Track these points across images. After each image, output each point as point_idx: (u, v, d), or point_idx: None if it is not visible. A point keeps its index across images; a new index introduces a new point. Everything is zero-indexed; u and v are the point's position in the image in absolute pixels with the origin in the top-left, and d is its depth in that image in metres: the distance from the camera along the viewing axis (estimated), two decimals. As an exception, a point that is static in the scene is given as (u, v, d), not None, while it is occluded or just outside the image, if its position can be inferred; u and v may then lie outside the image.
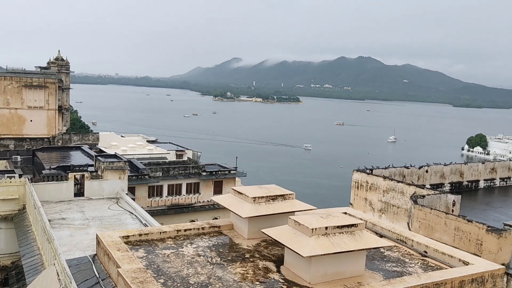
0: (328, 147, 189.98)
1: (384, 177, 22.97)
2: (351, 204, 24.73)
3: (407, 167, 26.42)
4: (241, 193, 14.00)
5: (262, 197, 13.61)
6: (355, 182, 24.43)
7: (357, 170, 24.60)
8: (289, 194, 14.22)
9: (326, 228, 10.88)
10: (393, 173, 25.02)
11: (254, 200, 13.44)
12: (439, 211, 18.36)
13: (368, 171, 24.31)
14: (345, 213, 14.42)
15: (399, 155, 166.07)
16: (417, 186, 21.77)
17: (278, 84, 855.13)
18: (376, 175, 23.48)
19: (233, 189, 14.61)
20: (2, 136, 53.50)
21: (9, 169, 40.16)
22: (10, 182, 29.74)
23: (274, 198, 13.82)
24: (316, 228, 10.75)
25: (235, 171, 47.04)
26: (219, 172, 46.07)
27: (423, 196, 19.81)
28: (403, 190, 21.59)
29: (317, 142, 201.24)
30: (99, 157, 35.03)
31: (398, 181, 22.47)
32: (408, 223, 20.00)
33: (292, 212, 13.25)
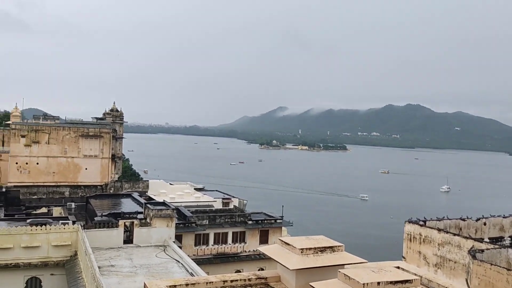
0: (378, 197, 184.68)
1: (439, 230, 21.87)
2: (404, 258, 23.57)
3: (463, 219, 25.06)
4: (288, 244, 13.76)
5: (310, 249, 13.29)
6: (408, 234, 23.39)
7: (410, 222, 23.60)
8: (338, 246, 13.82)
9: (379, 283, 10.40)
10: (448, 225, 23.77)
11: (301, 252, 13.15)
12: (500, 267, 17.11)
13: (421, 222, 23.26)
14: (398, 267, 13.77)
15: (453, 206, 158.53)
16: (475, 239, 20.52)
17: (324, 132, 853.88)
18: (430, 227, 22.40)
19: (280, 239, 14.40)
20: (59, 184, 56.11)
21: (63, 215, 41.73)
22: (64, 228, 30.82)
23: (322, 249, 13.47)
24: (367, 284, 10.30)
25: (281, 220, 46.45)
26: (265, 221, 45.63)
27: (482, 251, 18.60)
28: (460, 244, 20.40)
29: (363, 190, 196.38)
30: (148, 205, 35.80)
31: (454, 234, 21.29)
32: (466, 280, 18.72)
33: (342, 265, 12.81)
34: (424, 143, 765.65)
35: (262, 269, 38.45)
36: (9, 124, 64.42)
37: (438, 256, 21.55)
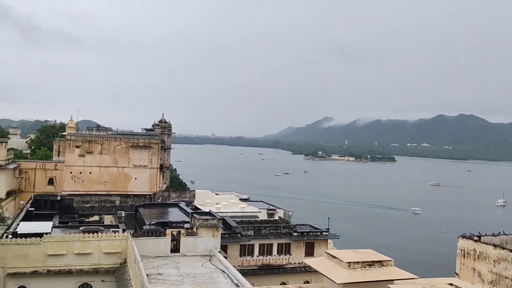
0: (429, 210, 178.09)
1: (495, 245, 20.74)
2: (457, 274, 22.51)
3: (522, 235, 23.64)
4: (335, 257, 13.50)
5: (357, 263, 12.98)
6: (461, 249, 22.33)
7: (463, 237, 22.53)
8: (387, 261, 13.40)
9: (430, 300, 9.96)
10: (504, 241, 22.49)
11: (349, 265, 12.85)
12: None
13: (475, 238, 22.16)
14: (451, 284, 13.16)
15: (510, 220, 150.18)
16: (535, 257, 19.25)
17: (372, 143, 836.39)
18: (485, 243, 21.28)
19: (326, 252, 14.16)
20: (110, 193, 58.12)
21: (114, 223, 43.09)
22: (114, 236, 31.80)
23: (370, 264, 13.11)
24: (418, 300, 9.90)
25: (327, 233, 45.74)
26: (311, 233, 45.07)
27: (544, 269, 17.44)
28: (518, 261, 19.22)
29: (412, 203, 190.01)
30: (194, 214, 36.33)
31: (511, 250, 20.11)
32: (526, 300, 17.59)
33: (391, 281, 12.40)
34: (478, 155, 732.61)
35: (308, 282, 37.92)
36: (64, 135, 67.66)
37: (494, 273, 20.41)
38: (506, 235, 23.45)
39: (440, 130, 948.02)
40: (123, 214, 50.54)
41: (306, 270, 41.02)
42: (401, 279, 12.67)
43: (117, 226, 37.88)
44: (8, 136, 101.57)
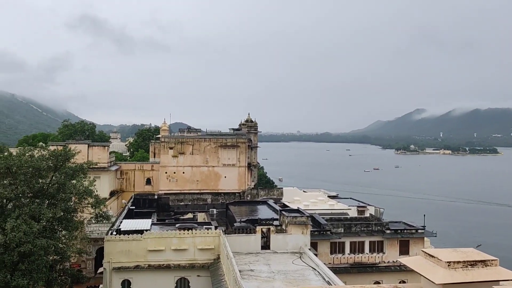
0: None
1: None
2: None
3: None
4: (432, 256, 12.67)
5: (458, 262, 12.05)
6: None
7: None
8: (492, 260, 12.28)
9: (546, 305, 8.95)
10: None
11: (448, 265, 11.99)
12: None
13: None
14: None
15: None
16: None
17: (470, 135, 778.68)
18: None
19: (423, 250, 13.34)
20: (202, 191, 60.55)
21: (206, 221, 44.77)
22: (208, 233, 33.01)
23: (472, 263, 12.11)
24: (531, 305, 8.94)
25: (423, 230, 43.44)
26: (405, 231, 43.11)
27: None
28: None
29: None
30: (283, 212, 36.49)
31: None
32: None
33: (496, 282, 11.35)
34: None
35: (403, 282, 36.29)
36: (159, 137, 71.80)
37: None
38: None
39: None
40: (214, 212, 52.33)
41: (401, 269, 39.34)
42: (508, 280, 11.54)
43: (209, 223, 39.25)
44: (110, 140, 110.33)
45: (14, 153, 33.01)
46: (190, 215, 49.19)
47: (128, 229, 34.49)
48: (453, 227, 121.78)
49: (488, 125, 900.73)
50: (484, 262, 12.30)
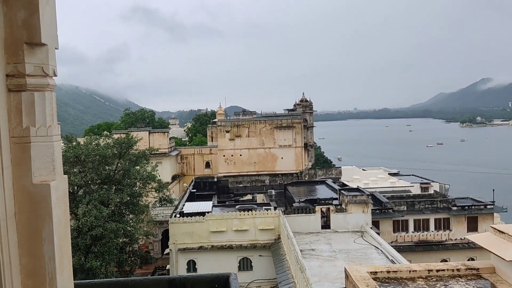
0: None
1: None
2: None
3: None
4: (503, 232, 11.99)
5: (533, 238, 11.33)
6: None
7: None
8: None
9: None
10: None
11: (522, 241, 11.30)
12: None
13: None
14: None
15: None
16: None
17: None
18: None
19: (492, 227, 12.67)
20: (260, 173, 61.09)
21: (265, 202, 45.20)
22: (267, 214, 33.36)
23: (549, 239, 11.34)
24: None
25: (492, 206, 41.30)
26: (473, 207, 41.21)
27: None
28: None
29: None
30: (342, 191, 36.07)
31: None
32: None
33: None
34: None
35: (472, 259, 34.87)
36: (215, 121, 72.99)
37: None
38: None
39: None
40: (273, 193, 52.70)
41: (470, 246, 37.77)
42: None
43: (268, 204, 39.63)
44: (169, 126, 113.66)
45: (82, 143, 34.86)
46: (249, 197, 49.90)
47: (191, 211, 35.58)
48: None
49: None
50: (563, 238, 11.47)
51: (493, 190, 45.35)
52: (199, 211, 35.51)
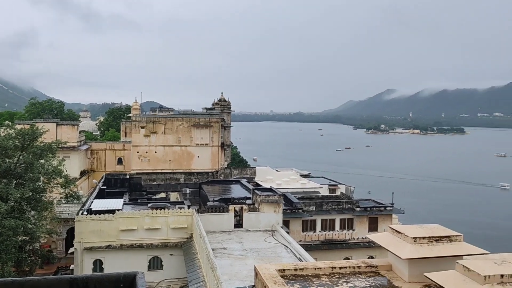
0: (495, 183, 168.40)
1: None
2: (534, 250, 21.18)
3: None
4: (399, 232, 13.11)
5: (423, 238, 12.51)
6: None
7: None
8: (456, 236, 12.81)
9: (502, 276, 9.42)
10: None
11: (414, 241, 12.43)
12: None
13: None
14: (527, 261, 12.36)
15: None
16: None
17: (438, 115, 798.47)
18: None
19: (390, 227, 13.78)
20: (175, 171, 60.23)
21: (179, 200, 44.74)
22: (181, 212, 33.04)
23: (437, 239, 12.60)
24: (489, 276, 9.40)
25: (391, 208, 44.71)
26: (374, 209, 44.27)
27: None
28: None
29: (477, 175, 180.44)
30: (256, 191, 36.81)
31: None
32: None
33: (460, 256, 11.87)
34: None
35: (372, 257, 37.46)
36: (130, 116, 70.61)
37: None
38: None
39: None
40: (187, 191, 52.31)
41: (370, 245, 40.58)
42: (471, 254, 12.08)
43: (182, 203, 39.27)
44: (79, 119, 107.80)
45: (-22, 132, 31.92)
46: (162, 195, 49.04)
47: (100, 209, 34.15)
48: (421, 204, 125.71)
49: (455, 105, 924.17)
50: (448, 238, 12.81)
51: (393, 193, 49.06)
52: (108, 208, 34.20)
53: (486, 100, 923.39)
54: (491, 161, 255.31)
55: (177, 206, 35.43)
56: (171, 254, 32.36)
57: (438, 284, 10.37)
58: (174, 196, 50.94)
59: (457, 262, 10.47)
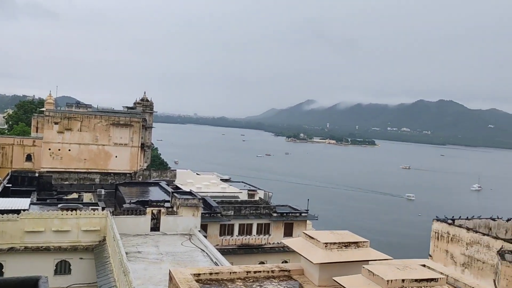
0: (403, 193, 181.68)
1: (468, 229, 21.38)
2: (431, 256, 23.18)
3: (494, 219, 24.42)
4: (312, 238, 13.72)
5: (334, 243, 13.22)
6: (435, 232, 22.97)
7: (438, 220, 23.16)
8: (363, 242, 13.68)
9: (403, 281, 10.27)
10: (477, 225, 23.21)
11: (325, 246, 13.09)
12: (532, 270, 16.62)
13: (449, 221, 22.80)
14: (424, 265, 13.53)
15: (484, 205, 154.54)
16: (504, 240, 19.97)
17: (353, 127, 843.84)
18: (459, 226, 21.93)
19: (304, 232, 14.37)
20: (90, 170, 57.56)
21: (93, 201, 42.81)
22: (94, 214, 31.61)
23: (347, 245, 13.37)
24: (391, 280, 10.19)
25: (306, 214, 46.37)
26: (290, 214, 45.63)
27: (513, 252, 18.08)
28: (489, 244, 19.90)
29: (387, 187, 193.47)
30: (175, 194, 36.31)
31: (484, 234, 20.78)
32: (494, 281, 18.27)
33: (366, 261, 12.69)
34: (456, 140, 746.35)
35: (286, 262, 38.54)
36: (43, 111, 66.36)
37: (466, 256, 21.08)
38: (479, 219, 24.17)
39: (420, 115, 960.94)
40: (102, 192, 50.17)
41: (285, 250, 41.69)
42: (376, 260, 12.97)
43: (96, 204, 37.65)
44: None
45: None
46: (75, 195, 46.64)
47: (2, 208, 31.67)
48: (333, 211, 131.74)
49: (368, 118, 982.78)
50: (356, 244, 13.64)
51: (308, 199, 50.97)
52: (13, 208, 31.84)
53: (395, 116, 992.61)
54: (397, 172, 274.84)
55: (90, 207, 33.87)
56: (81, 258, 30.82)
57: (345, 288, 11.01)
58: (88, 197, 48.62)
59: (363, 267, 11.19)
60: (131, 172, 59.10)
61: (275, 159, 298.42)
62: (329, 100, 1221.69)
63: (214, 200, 44.23)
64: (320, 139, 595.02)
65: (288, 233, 44.49)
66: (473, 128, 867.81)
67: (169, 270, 13.18)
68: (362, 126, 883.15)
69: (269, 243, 43.95)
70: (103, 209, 33.51)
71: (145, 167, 65.25)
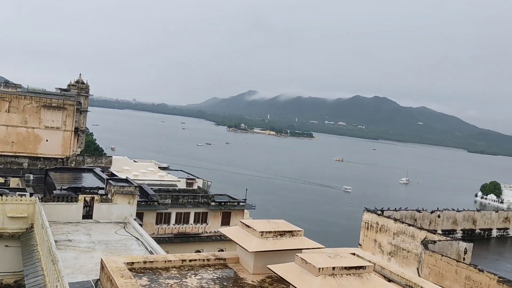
0: (340, 185, 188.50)
1: (395, 220, 22.61)
2: (360, 245, 24.28)
3: (419, 211, 26.00)
4: (248, 226, 13.90)
5: (269, 232, 13.48)
6: (365, 222, 24.06)
7: (368, 210, 24.27)
8: (298, 231, 14.07)
9: (334, 268, 10.68)
10: (404, 216, 24.61)
11: (261, 235, 13.31)
12: (450, 258, 17.91)
13: (378, 212, 23.97)
14: (354, 254, 14.16)
15: (411, 197, 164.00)
16: (428, 231, 21.35)
17: (292, 119, 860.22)
18: (387, 217, 23.13)
19: (241, 221, 14.51)
20: (17, 154, 54.32)
21: (21, 187, 40.52)
22: (21, 200, 29.95)
23: (282, 233, 13.68)
24: (323, 268, 10.56)
25: (244, 203, 46.78)
26: (228, 203, 45.84)
27: (434, 242, 19.39)
28: (413, 234, 21.19)
29: (322, 178, 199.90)
30: (110, 181, 35.18)
31: (409, 225, 22.08)
32: (417, 269, 19.51)
33: (300, 250, 13.06)
34: (388, 135, 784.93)
35: (222, 250, 38.75)
36: (-34, 89, 61.48)
37: (393, 245, 22.32)
38: (406, 210, 25.65)
39: (356, 110, 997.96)
40: (31, 178, 47.55)
41: (222, 239, 41.86)
42: (309, 248, 13.39)
43: (24, 190, 35.65)
44: None
45: None
46: (1, 180, 43.84)
47: None
48: (271, 201, 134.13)
49: (307, 111, 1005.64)
50: (291, 233, 14.00)
51: (246, 189, 51.46)
52: None
53: (333, 110, 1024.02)
54: (331, 164, 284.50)
55: (17, 193, 32.01)
56: (6, 246, 29.14)
57: (279, 275, 11.28)
58: (15, 182, 45.85)
59: (297, 255, 11.51)
60: (63, 157, 56.48)
61: (216, 148, 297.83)
62: (270, 92, 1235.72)
63: (151, 188, 43.43)
64: (261, 130, 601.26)
65: (226, 222, 44.71)
66: (404, 124, 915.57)
67: (101, 259, 12.82)
68: (301, 118, 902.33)
69: (206, 232, 43.94)
70: (31, 195, 31.81)
71: (79, 153, 62.60)
